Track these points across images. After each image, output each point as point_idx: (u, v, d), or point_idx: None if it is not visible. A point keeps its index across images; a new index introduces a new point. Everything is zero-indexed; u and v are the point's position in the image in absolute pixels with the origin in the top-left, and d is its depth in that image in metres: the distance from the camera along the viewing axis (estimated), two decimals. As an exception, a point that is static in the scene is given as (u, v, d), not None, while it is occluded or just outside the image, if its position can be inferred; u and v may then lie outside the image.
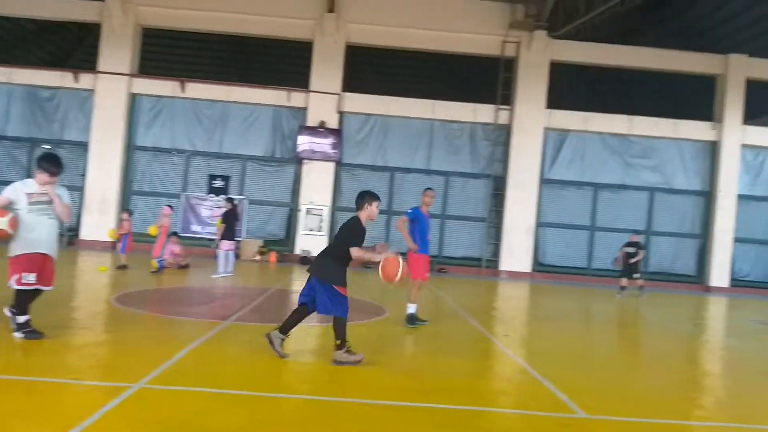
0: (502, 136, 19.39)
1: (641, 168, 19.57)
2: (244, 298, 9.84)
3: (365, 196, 5.75)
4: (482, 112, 19.34)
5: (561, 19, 18.81)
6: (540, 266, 19.43)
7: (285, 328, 5.55)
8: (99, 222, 18.11)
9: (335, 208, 19.17)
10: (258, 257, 18.14)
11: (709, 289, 19.23)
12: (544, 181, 19.43)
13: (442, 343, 7.48)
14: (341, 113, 19.15)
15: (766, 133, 19.75)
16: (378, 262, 5.53)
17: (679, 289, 19.02)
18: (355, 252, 5.46)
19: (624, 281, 14.97)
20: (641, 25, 23.40)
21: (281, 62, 23.40)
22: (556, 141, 19.53)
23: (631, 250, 15.02)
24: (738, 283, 19.59)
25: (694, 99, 21.76)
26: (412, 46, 19.54)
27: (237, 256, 17.07)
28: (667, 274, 19.68)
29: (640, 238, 15.64)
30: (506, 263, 19.08)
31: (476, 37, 19.15)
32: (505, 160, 19.34)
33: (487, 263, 19.28)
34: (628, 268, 15.00)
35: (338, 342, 5.42)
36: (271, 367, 5.35)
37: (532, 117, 19.03)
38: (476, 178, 19.55)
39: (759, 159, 19.81)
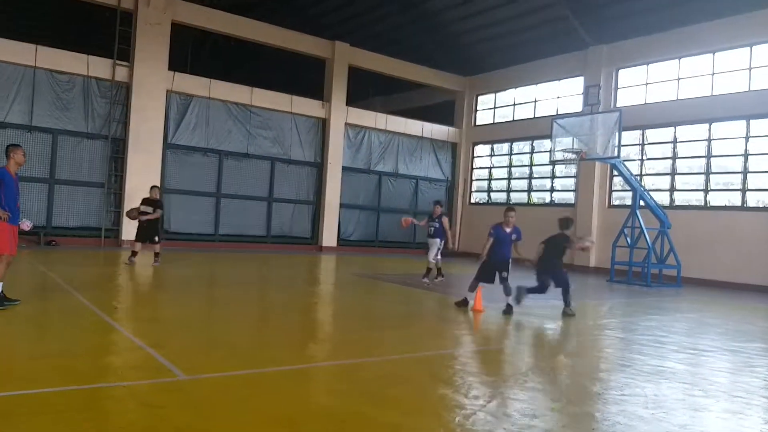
0: (122, 94, 17.92)
1: (262, 138, 20.68)
2: None
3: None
4: (97, 66, 17.42)
5: (183, -21, 18.29)
6: (165, 234, 18.80)
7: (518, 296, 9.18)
8: None
9: None
10: None
11: (321, 249, 21.75)
12: (169, 146, 18.79)
13: (34, 323, 6.54)
14: None
15: (364, 114, 23.15)
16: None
17: (296, 250, 20.97)
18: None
19: (138, 245, 12.83)
20: (265, 1, 24.55)
21: None
22: (180, 105, 19.01)
23: (148, 209, 12.85)
24: (344, 242, 22.69)
25: (308, 78, 24.03)
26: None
27: None
28: (287, 237, 21.48)
29: (159, 195, 13.43)
30: (128, 232, 17.54)
31: (90, -20, 17.08)
32: (125, 122, 17.95)
33: (108, 233, 17.75)
34: (145, 230, 12.86)
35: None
36: None
37: (153, 77, 18.03)
38: (92, 138, 17.60)
39: (359, 136, 23.13)
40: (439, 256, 12.55)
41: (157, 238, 12.95)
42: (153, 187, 13.46)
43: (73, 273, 10.83)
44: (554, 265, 9.50)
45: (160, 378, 4.57)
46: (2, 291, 6.85)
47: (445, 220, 12.47)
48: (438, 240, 12.37)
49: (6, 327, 6.15)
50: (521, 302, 9.21)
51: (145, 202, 12.99)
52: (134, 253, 12.84)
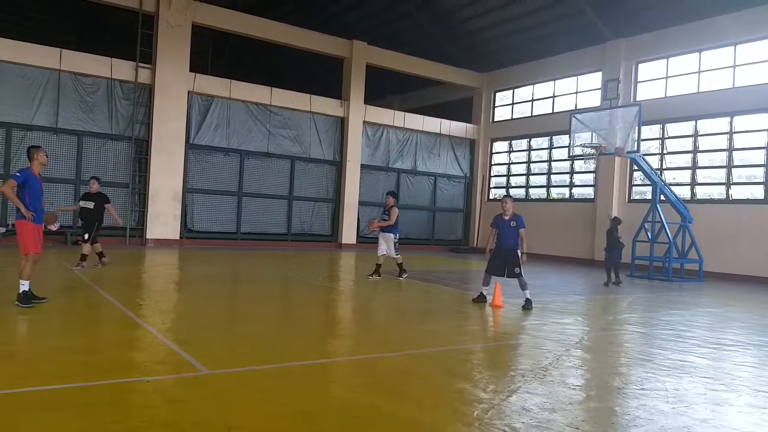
0: (144, 96, 18.23)
1: (282, 138, 20.86)
2: None
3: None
4: (120, 68, 17.75)
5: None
6: (189, 233, 19.14)
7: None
8: None
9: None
10: None
11: (341, 246, 21.87)
12: (191, 146, 19.06)
13: (60, 320, 6.72)
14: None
15: (382, 112, 23.21)
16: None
17: (316, 248, 21.13)
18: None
19: (86, 248, 11.11)
20: (283, 2, 24.78)
21: None
22: (201, 106, 19.27)
23: (88, 204, 11.23)
24: (363, 239, 22.77)
25: (327, 77, 24.16)
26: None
27: None
28: (307, 234, 21.65)
29: (99, 188, 11.45)
30: (153, 231, 18.21)
31: (111, -16, 17.40)
32: (148, 123, 18.25)
33: (132, 232, 18.08)
34: (83, 225, 11.35)
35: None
36: None
37: (175, 79, 18.32)
38: (116, 140, 17.96)
39: (377, 134, 23.20)
40: (395, 252, 12.04)
41: (87, 236, 11.05)
42: (92, 178, 11.77)
43: (99, 271, 11.08)
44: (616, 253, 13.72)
45: (182, 373, 4.68)
46: (29, 289, 7.06)
47: (394, 211, 11.99)
48: (392, 234, 12.01)
49: (33, 323, 6.34)
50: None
51: (85, 196, 11.41)
52: (83, 257, 11.01)
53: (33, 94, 16.62)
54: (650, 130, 18.77)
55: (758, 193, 16.69)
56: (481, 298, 9.37)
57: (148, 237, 18.09)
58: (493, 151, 25.69)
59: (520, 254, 9.24)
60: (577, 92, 22.04)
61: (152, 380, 4.42)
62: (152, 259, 14.50)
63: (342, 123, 22.13)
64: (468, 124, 25.62)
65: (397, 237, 12.17)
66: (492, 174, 25.75)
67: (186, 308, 8.11)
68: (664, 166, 18.98)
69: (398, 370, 5.19)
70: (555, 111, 22.63)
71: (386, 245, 12.07)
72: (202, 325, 6.75)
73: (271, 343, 6.04)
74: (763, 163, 16.53)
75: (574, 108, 21.20)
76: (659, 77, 19.28)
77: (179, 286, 10.41)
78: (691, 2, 17.66)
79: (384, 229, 12.11)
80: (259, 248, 19.62)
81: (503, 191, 25.12)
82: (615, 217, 14.86)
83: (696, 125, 18.12)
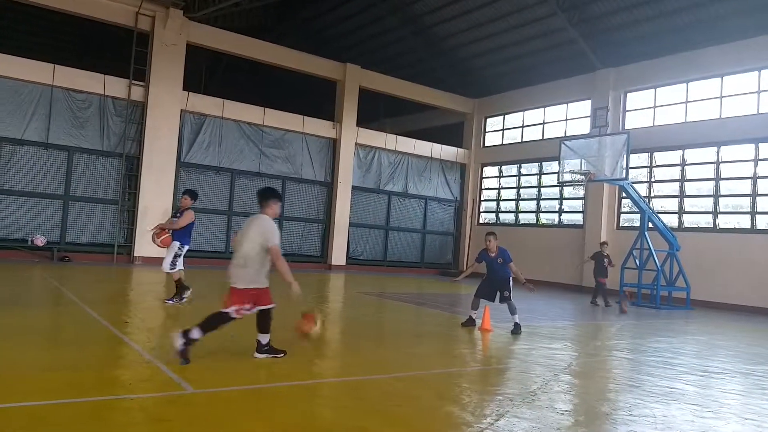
0: (137, 113, 18.23)
1: (274, 158, 20.89)
2: None
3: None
4: (113, 85, 17.77)
5: (198, 2, 18.73)
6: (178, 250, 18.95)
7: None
8: None
9: None
10: None
11: (330, 267, 21.78)
12: (182, 164, 19.02)
13: (45, 336, 6.62)
14: None
15: (374, 135, 23.35)
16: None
17: (305, 269, 21.00)
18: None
19: None
20: (278, 24, 25.07)
21: None
22: (194, 124, 19.30)
23: None
24: (353, 261, 22.71)
25: (320, 99, 24.33)
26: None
27: None
28: (296, 255, 21.54)
29: None
30: (141, 249, 18.00)
31: (107, 2, 17.48)
32: (140, 140, 18.23)
33: (120, 249, 17.92)
34: None
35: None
36: None
37: (168, 97, 18.35)
38: (107, 156, 17.89)
39: (369, 157, 23.30)
40: (179, 266, 9.40)
41: None
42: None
43: (85, 288, 10.95)
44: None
45: (168, 391, 4.62)
46: None
47: (188, 214, 9.38)
48: (177, 243, 9.32)
49: (18, 339, 6.23)
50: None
51: None
52: None
53: (25, 109, 16.55)
54: (638, 158, 19.02)
55: (744, 222, 16.89)
56: (470, 322, 9.35)
57: (136, 254, 17.93)
58: (484, 175, 25.86)
59: (522, 283, 9.31)
60: (566, 119, 22.32)
61: (137, 398, 4.35)
62: (139, 277, 14.36)
63: (334, 144, 22.23)
64: (459, 149, 25.83)
65: (185, 249, 9.45)
66: (482, 198, 25.89)
67: (172, 326, 7.99)
68: (652, 194, 19.19)
69: (387, 393, 5.15)
70: (545, 137, 22.87)
71: (167, 254, 9.38)
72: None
73: (259, 362, 5.98)
74: (749, 193, 16.76)
75: (563, 135, 21.45)
76: (647, 106, 19.59)
77: (165, 303, 10.27)
78: (679, 34, 18.05)
79: (172, 236, 9.33)
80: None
81: (493, 215, 25.25)
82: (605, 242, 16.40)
83: (683, 154, 18.38)
